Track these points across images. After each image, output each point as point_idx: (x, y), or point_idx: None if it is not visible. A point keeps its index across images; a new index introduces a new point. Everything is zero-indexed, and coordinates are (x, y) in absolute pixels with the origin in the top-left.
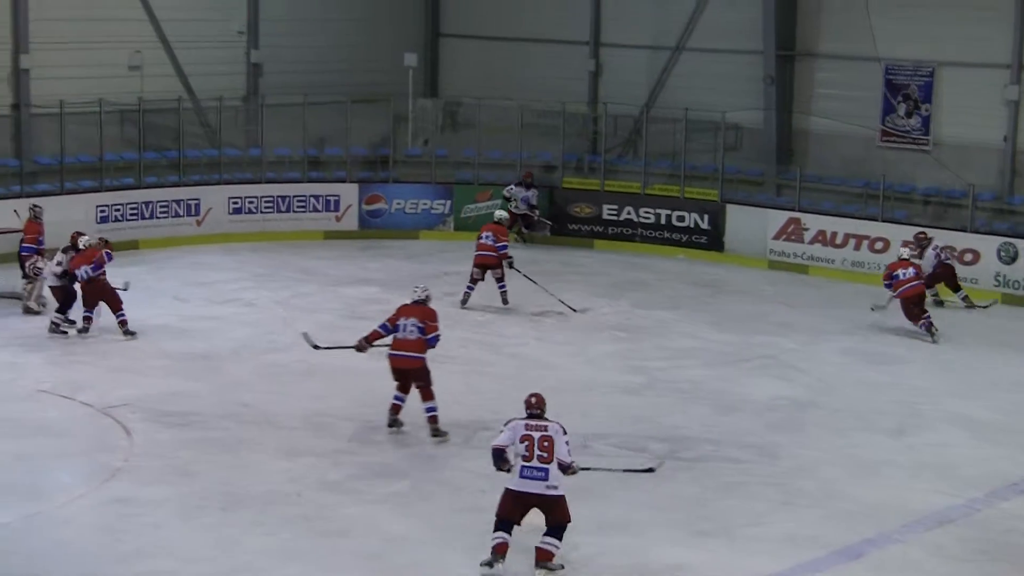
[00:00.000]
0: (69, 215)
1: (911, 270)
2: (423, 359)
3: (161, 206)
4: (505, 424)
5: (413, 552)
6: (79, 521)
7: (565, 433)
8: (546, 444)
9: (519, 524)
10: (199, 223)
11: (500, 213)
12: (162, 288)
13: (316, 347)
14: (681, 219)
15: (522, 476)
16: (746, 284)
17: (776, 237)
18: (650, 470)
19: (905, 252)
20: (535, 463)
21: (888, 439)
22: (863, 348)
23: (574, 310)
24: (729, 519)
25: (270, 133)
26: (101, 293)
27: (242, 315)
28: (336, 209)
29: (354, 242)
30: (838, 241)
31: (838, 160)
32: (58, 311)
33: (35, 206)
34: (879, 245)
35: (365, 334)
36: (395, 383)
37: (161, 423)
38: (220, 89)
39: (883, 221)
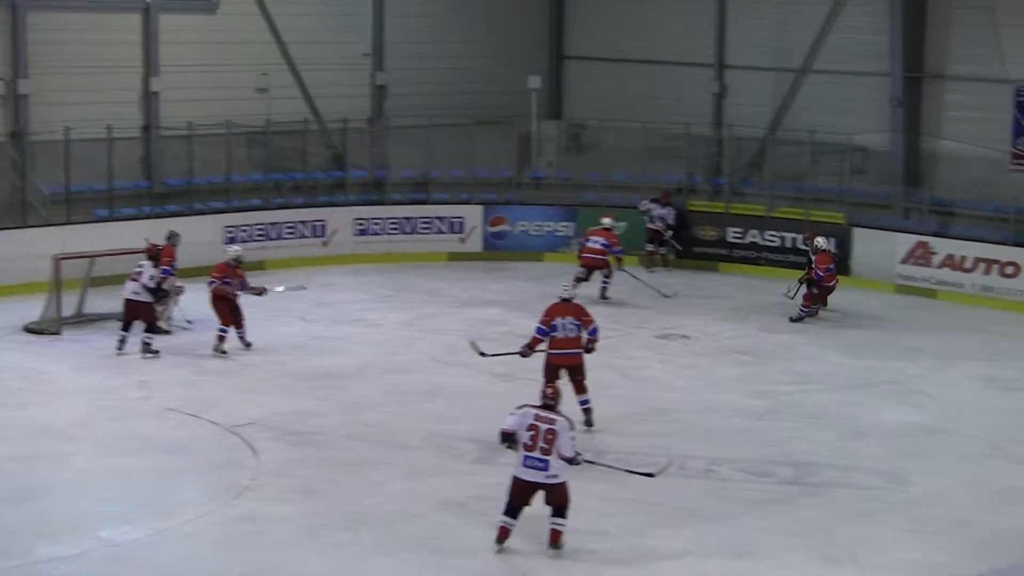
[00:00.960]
0: (197, 236)
1: None
2: (581, 354)
3: (287, 227)
4: (518, 408)
5: (537, 574)
6: (206, 537)
7: (572, 429)
8: (550, 438)
9: (526, 505)
10: (325, 244)
11: (608, 220)
12: (288, 309)
13: (483, 354)
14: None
15: (524, 465)
16: (873, 308)
17: (904, 261)
18: (650, 474)
19: None
20: (537, 454)
21: (1019, 466)
22: (993, 374)
23: (666, 295)
24: (857, 546)
25: (395, 155)
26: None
27: (367, 335)
28: (460, 231)
29: (478, 264)
30: (967, 265)
31: (967, 183)
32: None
33: (173, 232)
34: (1009, 270)
35: (526, 341)
36: (544, 380)
37: (287, 442)
38: (345, 111)
39: (1014, 245)
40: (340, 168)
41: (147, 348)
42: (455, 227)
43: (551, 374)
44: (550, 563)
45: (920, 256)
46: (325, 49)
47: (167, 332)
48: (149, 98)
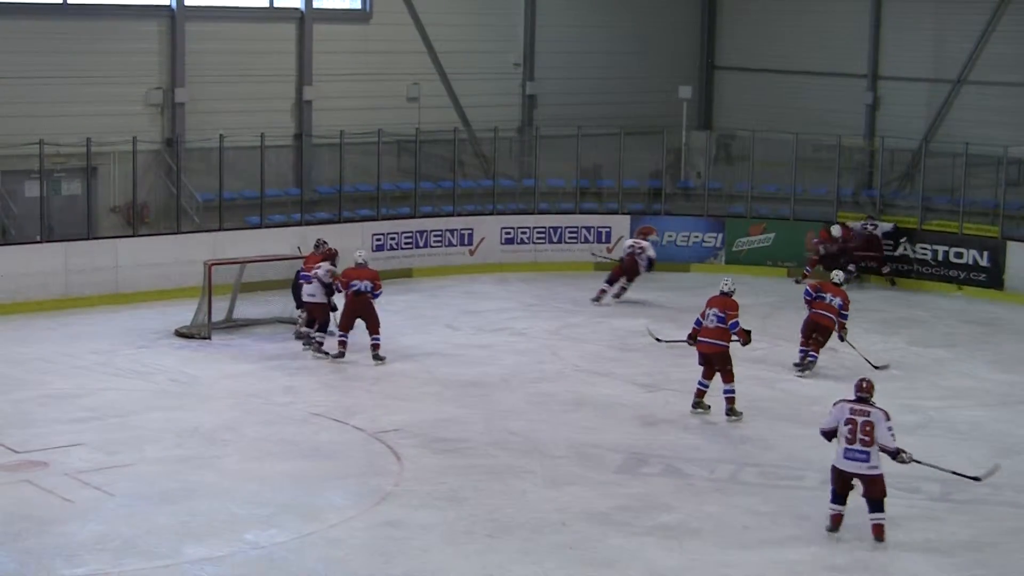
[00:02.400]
0: (346, 243)
1: None
2: (724, 346)
3: (435, 235)
4: (834, 404)
5: None
6: (350, 542)
7: (888, 419)
8: (867, 429)
9: (850, 490)
10: (472, 252)
11: (838, 274)
12: (435, 316)
13: (658, 340)
14: (959, 255)
15: (845, 457)
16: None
17: None
18: (976, 478)
19: None
20: (858, 446)
21: None
22: None
23: (876, 367)
24: (1008, 564)
25: (544, 164)
26: (363, 311)
27: (512, 344)
28: (608, 240)
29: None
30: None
31: None
32: (318, 328)
33: (322, 241)
34: None
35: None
36: (701, 368)
37: (431, 449)
38: (495, 120)
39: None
40: (489, 177)
41: (318, 348)
42: (602, 237)
43: (701, 360)
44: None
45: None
46: (476, 58)
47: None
48: (302, 106)
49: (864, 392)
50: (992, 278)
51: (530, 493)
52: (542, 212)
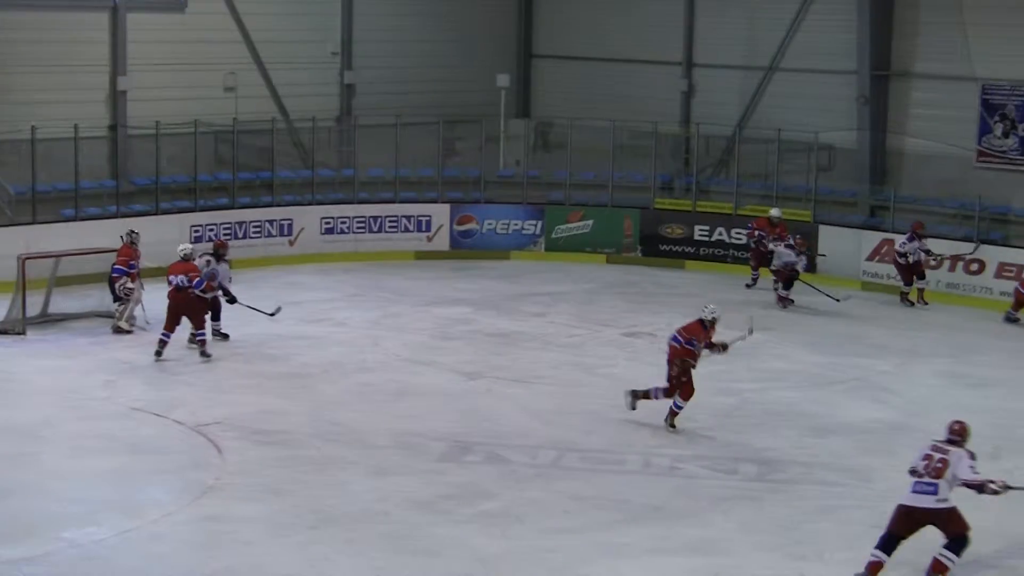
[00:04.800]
0: (163, 235)
1: None
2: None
3: (254, 226)
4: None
5: (502, 572)
6: (172, 537)
7: (972, 458)
8: (939, 466)
9: (904, 539)
10: (292, 243)
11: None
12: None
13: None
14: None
15: (913, 491)
16: (839, 306)
17: (870, 258)
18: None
19: None
20: (925, 479)
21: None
22: (958, 370)
23: (837, 299)
24: (822, 543)
25: (363, 154)
26: (186, 307)
27: (334, 334)
28: (428, 229)
29: (445, 262)
30: (932, 262)
31: (933, 181)
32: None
33: (132, 231)
34: (974, 267)
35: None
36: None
37: (253, 441)
38: (313, 110)
39: (979, 242)
40: (308, 167)
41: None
42: (422, 226)
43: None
44: (513, 561)
45: (886, 253)
46: (293, 48)
47: (128, 332)
48: (116, 97)
49: (954, 435)
50: (807, 262)
51: (353, 484)
52: (362, 202)
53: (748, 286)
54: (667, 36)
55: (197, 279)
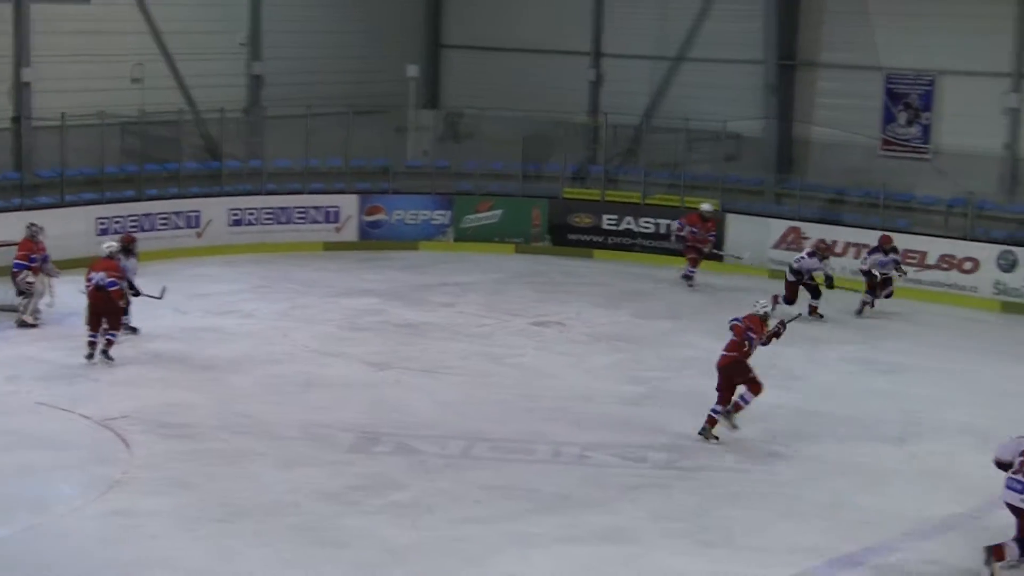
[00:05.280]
0: (69, 227)
1: None
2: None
3: (161, 218)
4: (1016, 437)
5: (412, 562)
6: (80, 533)
7: None
8: None
9: None
10: (199, 235)
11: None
12: (163, 300)
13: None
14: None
15: (1007, 487)
16: (747, 293)
17: (776, 246)
18: None
19: None
20: (1019, 476)
21: (890, 447)
22: (865, 356)
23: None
24: (731, 528)
25: (271, 145)
26: (103, 307)
27: (242, 327)
28: (336, 220)
29: (354, 253)
30: (838, 250)
31: (839, 169)
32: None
33: (32, 224)
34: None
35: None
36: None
37: (160, 435)
38: (221, 101)
39: (884, 230)
40: (215, 158)
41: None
42: (331, 217)
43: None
44: (423, 551)
45: (792, 241)
46: (200, 39)
47: (33, 325)
48: (20, 88)
49: None
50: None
51: (262, 476)
52: (269, 193)
53: (686, 278)
54: (576, 26)
55: (111, 280)
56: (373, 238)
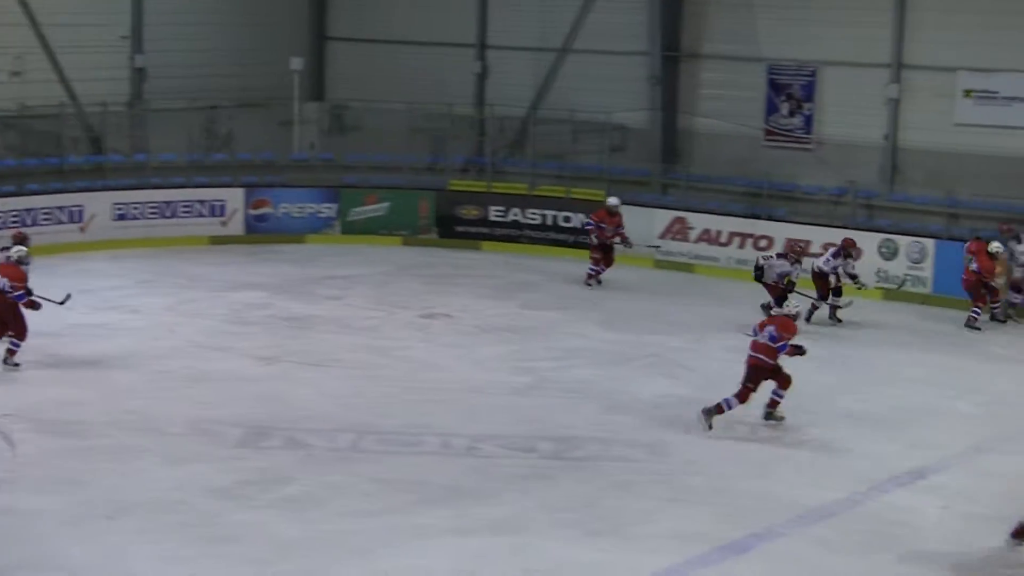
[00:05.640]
0: None
1: None
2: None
3: (44, 213)
4: None
5: (302, 557)
6: None
7: None
8: None
9: None
10: (83, 230)
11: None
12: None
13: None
14: (568, 219)
15: None
16: (633, 283)
17: (662, 236)
18: None
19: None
20: None
21: (776, 433)
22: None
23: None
24: (619, 517)
25: (155, 138)
26: (5, 313)
27: (128, 322)
28: (222, 214)
29: (240, 247)
30: (723, 240)
31: (723, 160)
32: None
33: None
34: (763, 243)
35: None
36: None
37: (45, 432)
38: (104, 94)
39: (767, 219)
40: (98, 152)
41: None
42: (216, 210)
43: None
44: (312, 545)
45: (678, 231)
46: (82, 31)
47: None
48: None
49: None
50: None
51: (149, 472)
52: (154, 187)
53: (591, 276)
54: (461, 18)
55: (19, 292)
56: (259, 232)
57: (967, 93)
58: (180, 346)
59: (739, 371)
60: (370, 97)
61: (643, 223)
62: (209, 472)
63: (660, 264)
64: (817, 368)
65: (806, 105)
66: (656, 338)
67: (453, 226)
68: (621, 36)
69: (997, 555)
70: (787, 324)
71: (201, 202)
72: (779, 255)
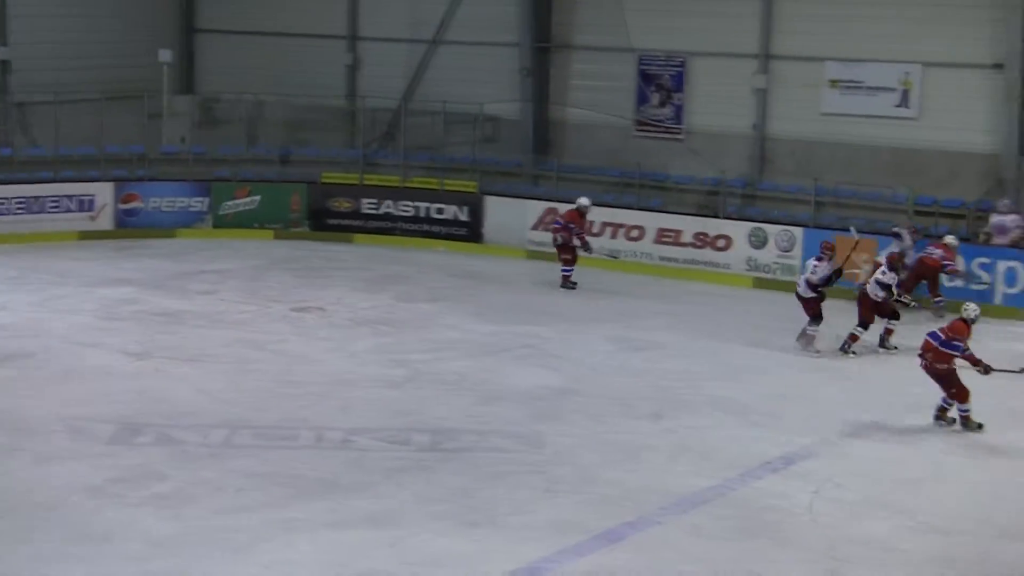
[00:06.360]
0: None
1: None
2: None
3: None
4: None
5: (177, 554)
6: None
7: None
8: None
9: None
10: None
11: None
12: None
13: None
14: (440, 211)
15: None
16: (506, 275)
17: (535, 227)
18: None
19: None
20: None
21: (647, 423)
22: (622, 335)
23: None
24: (494, 508)
25: (20, 132)
26: None
27: None
28: (91, 209)
29: (110, 242)
30: (595, 230)
31: (595, 150)
32: None
33: None
34: (635, 233)
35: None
36: None
37: None
38: None
39: (638, 209)
40: None
41: None
42: (85, 205)
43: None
44: (187, 542)
45: (550, 222)
46: None
47: None
48: None
49: None
50: (472, 232)
51: (19, 471)
52: (20, 182)
53: (567, 278)
54: (331, 9)
55: None
56: (129, 226)
57: (833, 83)
58: (50, 343)
59: (613, 360)
60: (241, 89)
61: (515, 214)
62: (81, 470)
63: (532, 255)
64: (685, 356)
65: (676, 95)
66: (530, 329)
67: (325, 219)
68: (492, 27)
69: (867, 538)
70: (959, 327)
71: (69, 197)
72: (817, 258)
